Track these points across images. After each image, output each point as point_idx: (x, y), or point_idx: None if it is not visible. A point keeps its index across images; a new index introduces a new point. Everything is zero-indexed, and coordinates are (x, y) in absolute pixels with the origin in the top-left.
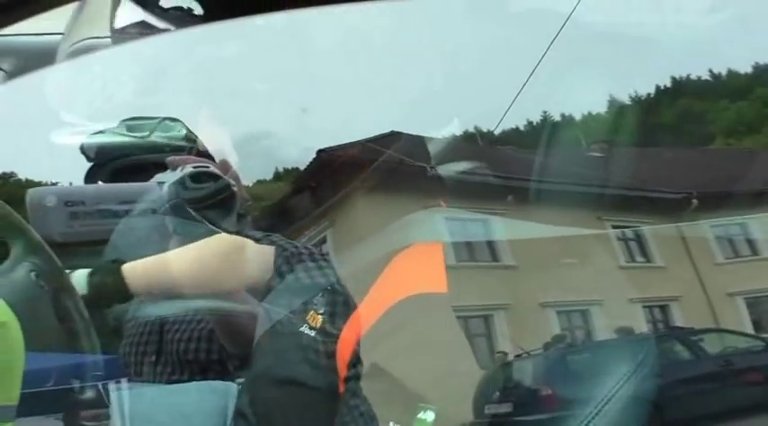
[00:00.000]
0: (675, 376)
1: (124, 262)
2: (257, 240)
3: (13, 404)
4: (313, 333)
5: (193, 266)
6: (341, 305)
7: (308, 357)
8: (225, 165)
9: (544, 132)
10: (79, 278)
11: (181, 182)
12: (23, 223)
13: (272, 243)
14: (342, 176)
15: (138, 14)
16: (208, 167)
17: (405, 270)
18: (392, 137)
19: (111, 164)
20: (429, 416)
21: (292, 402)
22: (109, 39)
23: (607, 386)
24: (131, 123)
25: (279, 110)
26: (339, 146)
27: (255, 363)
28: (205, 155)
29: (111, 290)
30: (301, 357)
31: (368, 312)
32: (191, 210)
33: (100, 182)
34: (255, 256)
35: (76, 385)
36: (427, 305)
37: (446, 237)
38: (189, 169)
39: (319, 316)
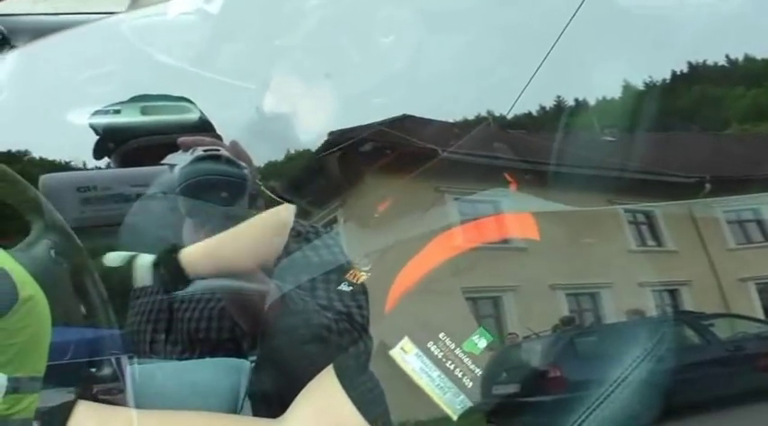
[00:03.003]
0: (684, 360)
1: (180, 248)
2: None
3: (40, 376)
4: (350, 288)
5: (250, 243)
6: (362, 284)
7: (349, 306)
8: (235, 147)
9: (558, 116)
10: (143, 269)
11: (192, 165)
12: (44, 202)
13: None
14: (353, 158)
15: None
16: (218, 150)
17: (487, 225)
18: (404, 120)
19: (120, 142)
20: (482, 343)
21: (326, 352)
22: None
23: (616, 370)
24: (143, 104)
25: (293, 89)
26: (350, 128)
27: (279, 331)
28: (217, 136)
29: (173, 279)
30: (341, 308)
31: (434, 254)
32: (202, 193)
33: (111, 165)
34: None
35: (93, 359)
36: (503, 254)
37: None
38: (199, 152)
39: (362, 273)
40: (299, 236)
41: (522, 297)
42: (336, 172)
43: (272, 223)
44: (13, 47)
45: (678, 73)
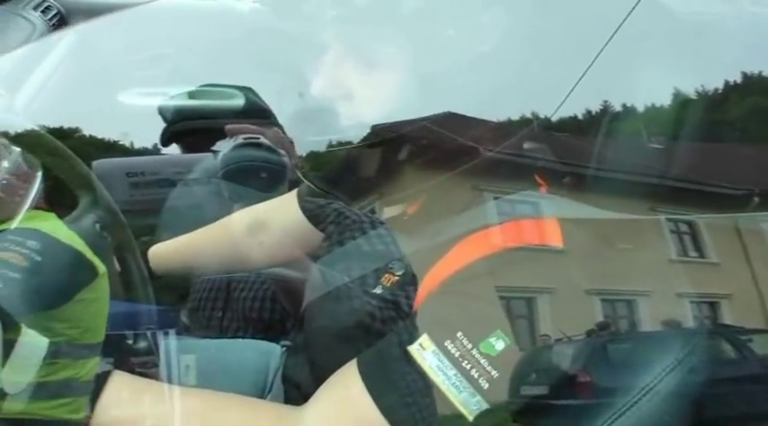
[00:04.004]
0: (718, 374)
1: (156, 242)
2: (320, 206)
3: (101, 343)
4: (382, 291)
5: (212, 248)
6: (411, 274)
7: (396, 295)
8: (277, 135)
9: (603, 121)
10: None
11: (232, 151)
12: (93, 178)
13: (333, 210)
14: (394, 152)
15: None
16: (258, 137)
17: (513, 228)
18: (447, 117)
19: (182, 127)
20: (499, 345)
21: (368, 339)
22: None
23: (647, 379)
24: (207, 89)
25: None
26: (394, 123)
27: (321, 316)
28: (277, 124)
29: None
30: (388, 296)
31: (459, 256)
32: (242, 178)
33: (165, 149)
34: (284, 230)
35: (130, 332)
36: (540, 256)
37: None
38: (240, 140)
39: (396, 277)
40: (353, 224)
41: (557, 299)
42: (376, 164)
43: (244, 225)
44: (69, 26)
45: (731, 82)
